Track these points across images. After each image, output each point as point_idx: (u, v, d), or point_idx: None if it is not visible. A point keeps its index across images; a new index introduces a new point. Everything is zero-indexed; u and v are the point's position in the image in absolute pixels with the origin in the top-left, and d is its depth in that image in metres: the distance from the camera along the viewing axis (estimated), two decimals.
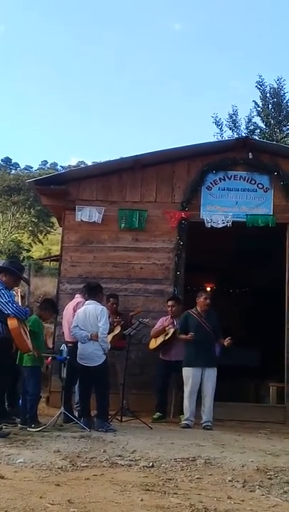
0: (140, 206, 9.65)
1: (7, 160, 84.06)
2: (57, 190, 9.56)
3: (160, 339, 8.64)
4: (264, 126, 26.63)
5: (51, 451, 5.33)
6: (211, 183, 9.71)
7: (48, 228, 37.28)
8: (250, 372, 12.62)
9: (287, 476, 4.84)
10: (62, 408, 7.18)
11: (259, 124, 26.87)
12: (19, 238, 34.63)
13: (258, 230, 9.72)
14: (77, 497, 3.77)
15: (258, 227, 9.60)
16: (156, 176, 9.78)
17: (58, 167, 77.65)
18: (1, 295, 6.38)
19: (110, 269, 9.49)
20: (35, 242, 36.99)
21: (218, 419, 8.28)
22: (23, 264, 10.57)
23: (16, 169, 75.33)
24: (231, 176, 9.75)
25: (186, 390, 7.95)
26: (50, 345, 9.25)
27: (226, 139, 21.95)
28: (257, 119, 26.91)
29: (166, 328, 8.62)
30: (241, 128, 26.49)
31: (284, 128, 26.49)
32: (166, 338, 8.57)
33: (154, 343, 8.73)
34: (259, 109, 26.75)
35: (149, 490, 4.10)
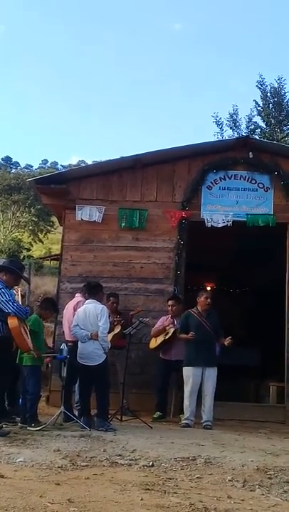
0: (140, 205, 9.65)
1: (7, 159, 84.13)
2: (57, 190, 9.56)
3: (160, 339, 8.64)
4: (264, 126, 26.61)
5: (51, 450, 5.33)
6: (211, 182, 9.71)
7: (49, 227, 37.30)
8: (251, 372, 12.62)
9: (287, 475, 4.84)
10: (62, 407, 7.18)
11: (259, 124, 26.87)
12: (19, 237, 34.65)
13: (259, 230, 9.72)
14: (77, 496, 3.77)
15: (258, 226, 9.60)
16: (156, 175, 9.78)
17: (59, 166, 77.74)
18: (1, 294, 6.38)
19: (111, 269, 9.49)
20: (35, 241, 37.01)
21: (218, 418, 8.28)
22: (23, 263, 10.57)
23: (16, 168, 75.43)
24: (232, 176, 9.75)
25: (187, 389, 7.94)
26: (50, 345, 9.26)
27: (227, 138, 21.92)
28: (257, 119, 26.91)
29: (167, 327, 8.62)
30: (242, 127, 26.48)
31: (284, 127, 26.46)
32: (167, 337, 8.57)
33: (154, 343, 8.73)
34: (260, 108, 26.71)
35: (149, 489, 4.09)
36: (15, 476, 4.30)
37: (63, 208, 9.82)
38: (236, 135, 24.39)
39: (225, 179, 9.73)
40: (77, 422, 7.10)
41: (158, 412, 8.44)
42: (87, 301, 7.60)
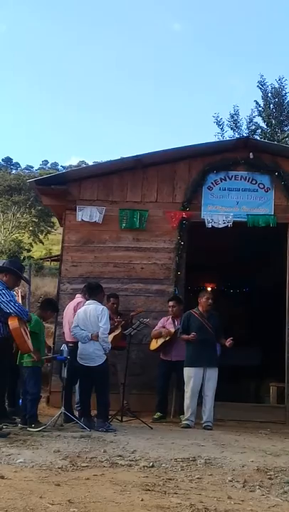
0: (141, 206, 9.65)
1: (8, 160, 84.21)
2: (58, 190, 9.56)
3: (161, 340, 8.64)
4: (265, 126, 26.56)
5: (51, 451, 5.33)
6: (212, 183, 9.71)
7: (49, 228, 37.26)
8: (251, 373, 12.62)
9: (287, 476, 4.84)
10: (62, 408, 7.18)
11: (260, 124, 26.81)
12: (20, 238, 34.61)
13: (259, 230, 9.72)
14: (78, 497, 3.77)
15: (258, 227, 9.60)
16: (157, 175, 9.78)
17: (59, 167, 77.81)
18: (2, 295, 6.38)
19: (111, 269, 9.49)
20: (35, 242, 36.97)
21: (219, 419, 8.28)
22: (23, 264, 10.57)
23: (16, 169, 75.47)
24: (232, 176, 9.75)
25: (188, 390, 7.94)
26: (51, 345, 9.26)
27: (227, 139, 21.91)
28: (258, 119, 26.85)
29: (164, 334, 8.62)
30: (242, 128, 26.43)
31: (285, 128, 26.42)
32: (167, 338, 8.57)
33: (154, 344, 8.73)
34: (260, 109, 26.68)
35: (149, 490, 4.09)
36: (15, 476, 4.30)
37: (64, 209, 9.83)
38: (237, 135, 24.38)
39: (225, 180, 9.74)
40: (77, 422, 7.11)
41: (158, 413, 8.44)
42: (87, 301, 7.60)
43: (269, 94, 26.59)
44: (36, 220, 36.70)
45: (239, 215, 9.61)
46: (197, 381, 7.90)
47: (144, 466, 4.90)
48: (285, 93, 26.46)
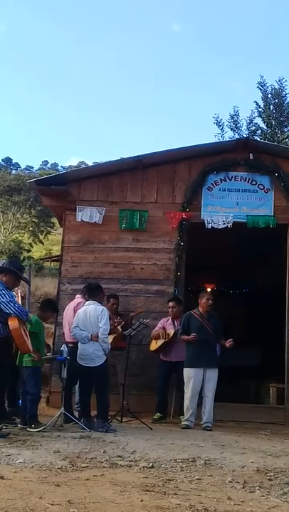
0: (141, 207, 9.65)
1: (8, 160, 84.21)
2: (58, 191, 9.56)
3: (160, 341, 8.63)
4: (265, 127, 26.55)
5: (51, 451, 5.33)
6: (211, 183, 9.71)
7: (49, 228, 37.26)
8: (251, 373, 12.62)
9: (287, 477, 4.84)
10: (62, 408, 7.18)
11: (260, 125, 26.80)
12: (20, 238, 34.60)
13: (259, 231, 9.72)
14: (77, 497, 3.77)
15: (258, 228, 9.60)
16: (157, 176, 9.78)
17: (59, 167, 77.86)
18: (2, 295, 6.38)
19: (111, 270, 9.49)
20: (35, 243, 36.96)
21: (219, 419, 8.28)
22: (23, 264, 10.57)
23: (16, 169, 75.44)
24: (232, 177, 9.75)
25: (187, 390, 7.93)
26: (51, 345, 9.27)
27: (227, 139, 21.90)
28: (258, 120, 26.84)
29: (165, 332, 8.62)
30: (242, 129, 26.43)
31: (285, 129, 26.41)
32: (167, 339, 8.56)
33: (154, 345, 8.73)
34: (260, 109, 26.67)
35: (149, 490, 4.10)
36: (15, 477, 4.30)
37: (64, 209, 9.83)
38: (237, 136, 24.38)
39: (225, 180, 9.74)
40: (77, 423, 7.11)
41: (158, 413, 8.44)
42: (87, 302, 7.60)
43: (269, 95, 26.58)
44: (36, 221, 36.70)
45: (239, 216, 9.61)
46: (197, 382, 7.90)
47: (143, 467, 4.90)
48: (285, 94, 26.46)
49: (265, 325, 13.01)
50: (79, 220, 9.55)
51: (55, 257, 25.55)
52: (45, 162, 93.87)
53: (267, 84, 26.59)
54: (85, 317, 7.33)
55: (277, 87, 26.52)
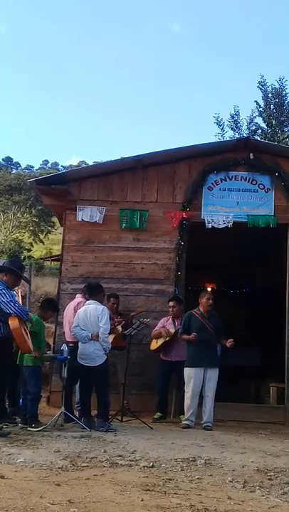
0: (141, 206, 9.65)
1: (8, 159, 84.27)
2: (58, 190, 9.56)
3: (161, 340, 8.64)
4: (266, 127, 26.53)
5: (52, 451, 5.33)
6: (212, 183, 9.71)
7: (49, 228, 37.30)
8: (251, 373, 12.62)
9: (287, 476, 4.84)
10: (62, 408, 7.18)
11: (261, 125, 26.78)
12: (20, 238, 34.62)
13: (259, 231, 9.72)
14: (78, 497, 3.77)
15: (258, 227, 9.60)
16: (157, 176, 9.78)
17: (59, 167, 77.86)
18: (2, 295, 6.38)
19: (111, 269, 9.49)
20: (36, 242, 36.99)
21: (219, 419, 8.28)
22: (23, 263, 10.57)
23: (17, 169, 75.53)
24: (232, 177, 9.75)
25: (188, 390, 7.93)
26: (51, 344, 9.26)
27: (228, 139, 21.90)
28: (259, 120, 26.83)
29: (164, 334, 8.62)
30: (243, 128, 26.41)
31: (285, 129, 26.39)
32: (167, 338, 8.57)
33: (154, 344, 8.73)
34: (261, 109, 26.66)
35: (149, 490, 4.10)
36: (15, 476, 4.30)
37: (64, 209, 9.83)
38: (237, 136, 24.37)
39: (226, 180, 9.74)
40: (77, 422, 7.11)
41: (158, 413, 8.44)
42: (87, 301, 7.60)
43: (269, 95, 26.57)
44: (36, 220, 36.73)
45: (239, 216, 9.61)
46: (198, 381, 7.90)
47: (144, 466, 4.90)
48: (286, 93, 26.44)
49: (265, 325, 13.01)
50: (79, 219, 9.55)
51: (56, 256, 25.59)
52: (46, 161, 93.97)
53: (267, 84, 26.59)
54: (86, 316, 7.33)
55: (277, 86, 26.51)
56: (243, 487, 4.44)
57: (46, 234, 37.86)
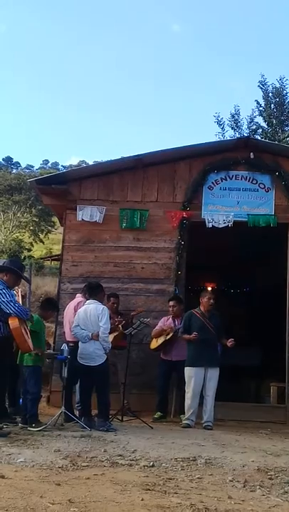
0: (141, 206, 9.65)
1: (8, 159, 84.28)
2: (58, 190, 9.56)
3: (161, 339, 8.64)
4: (266, 126, 26.54)
5: (52, 450, 5.33)
6: (212, 182, 9.71)
7: (49, 228, 37.35)
8: (251, 372, 12.61)
9: (287, 476, 4.84)
10: (63, 408, 7.18)
11: (261, 124, 26.78)
12: (20, 237, 34.65)
13: (260, 230, 9.71)
14: (78, 496, 3.77)
15: (259, 227, 9.59)
16: (157, 175, 9.77)
17: (59, 166, 77.87)
18: (2, 294, 6.38)
19: (111, 269, 9.48)
20: (36, 242, 37.02)
21: (219, 419, 8.28)
22: (24, 263, 10.57)
23: (17, 168, 75.59)
24: (233, 176, 9.75)
25: (189, 389, 7.93)
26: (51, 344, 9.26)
27: (228, 138, 21.90)
28: (259, 119, 26.82)
29: (166, 330, 8.61)
30: (243, 128, 26.41)
31: (286, 128, 26.39)
32: (168, 337, 8.57)
33: (155, 343, 8.73)
34: (261, 108, 26.65)
35: (149, 489, 4.09)
36: (15, 476, 4.30)
37: (64, 209, 9.82)
38: (238, 135, 24.36)
39: (226, 179, 9.73)
40: (77, 422, 7.11)
41: (159, 413, 8.44)
42: (87, 301, 7.60)
43: (270, 94, 26.56)
44: (37, 220, 36.76)
45: (240, 215, 9.61)
46: (198, 381, 7.90)
47: (144, 466, 4.90)
48: (286, 93, 26.43)
49: (265, 324, 13.00)
50: (79, 219, 9.55)
51: (56, 256, 25.59)
52: (46, 161, 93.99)
53: (268, 83, 26.59)
54: (86, 316, 7.33)
55: (278, 85, 26.51)
56: (244, 486, 4.43)
57: (46, 234, 37.89)
